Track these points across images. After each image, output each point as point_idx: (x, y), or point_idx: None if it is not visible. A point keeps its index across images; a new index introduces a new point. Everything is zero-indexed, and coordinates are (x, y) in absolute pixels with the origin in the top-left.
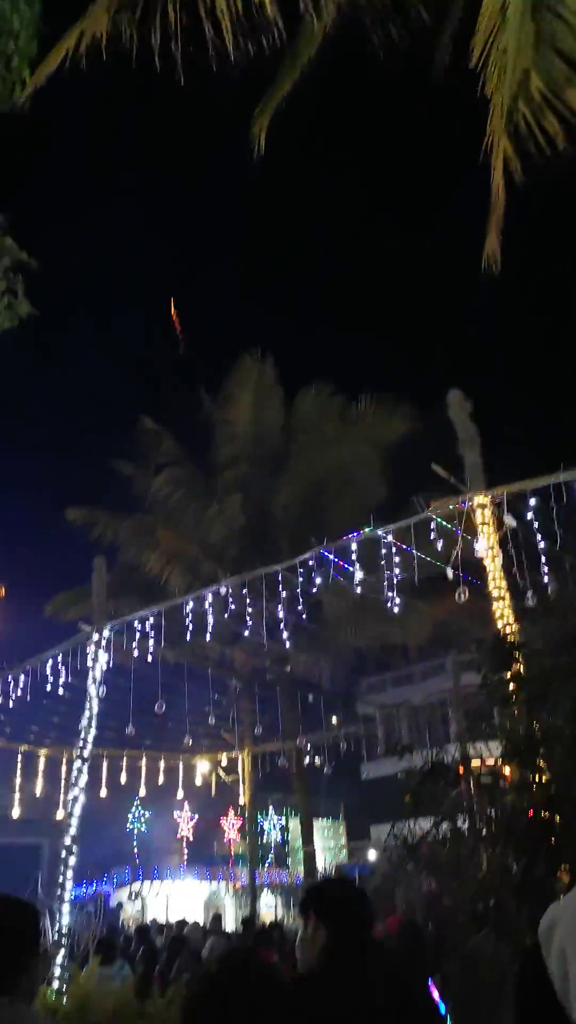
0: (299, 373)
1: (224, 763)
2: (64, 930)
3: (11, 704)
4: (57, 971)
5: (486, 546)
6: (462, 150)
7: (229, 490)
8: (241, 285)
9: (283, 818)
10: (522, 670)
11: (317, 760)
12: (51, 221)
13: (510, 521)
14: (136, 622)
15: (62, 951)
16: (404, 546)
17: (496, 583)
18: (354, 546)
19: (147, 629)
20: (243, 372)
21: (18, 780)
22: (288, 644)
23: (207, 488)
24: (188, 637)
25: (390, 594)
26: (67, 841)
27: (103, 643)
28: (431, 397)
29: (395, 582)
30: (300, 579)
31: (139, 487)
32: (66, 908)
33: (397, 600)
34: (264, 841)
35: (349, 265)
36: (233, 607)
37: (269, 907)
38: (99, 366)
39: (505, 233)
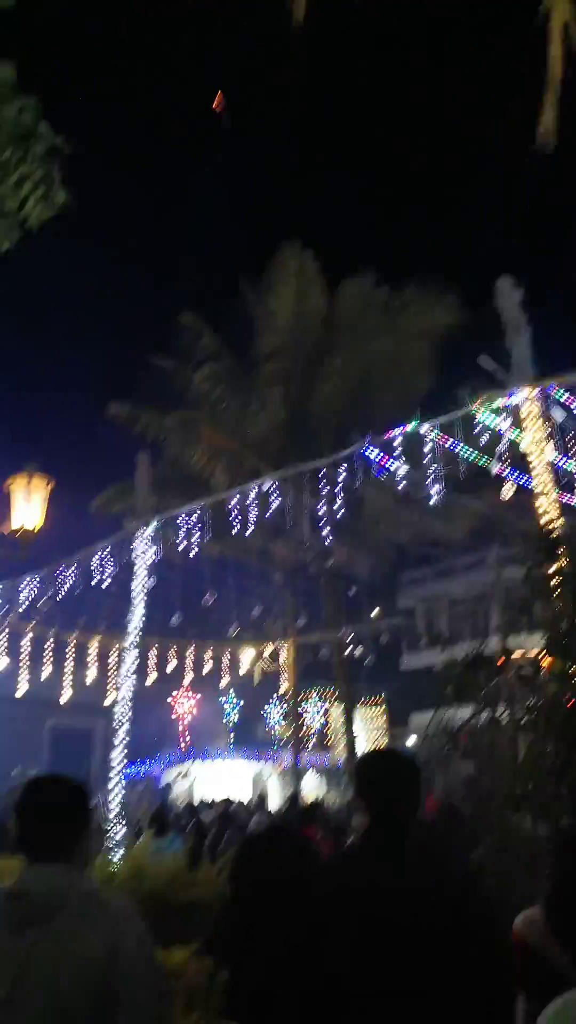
0: (342, 263)
1: (267, 653)
2: (118, 806)
3: (61, 596)
4: (113, 843)
5: (532, 440)
6: (515, 19)
7: (270, 384)
8: (282, 171)
9: (325, 705)
10: (565, 564)
11: (358, 651)
12: (87, 103)
13: (557, 414)
14: (180, 517)
15: (117, 825)
16: (448, 441)
17: (541, 477)
18: (397, 441)
19: (191, 524)
20: (283, 263)
21: (69, 668)
22: (330, 539)
23: (248, 383)
24: (232, 532)
25: (433, 489)
26: (117, 725)
27: (148, 538)
28: (479, 285)
29: (439, 477)
30: (343, 474)
31: (180, 383)
32: (119, 786)
33: (440, 495)
34: (306, 727)
35: (393, 147)
36: (275, 502)
37: (312, 788)
38: (139, 258)
39: (562, 108)
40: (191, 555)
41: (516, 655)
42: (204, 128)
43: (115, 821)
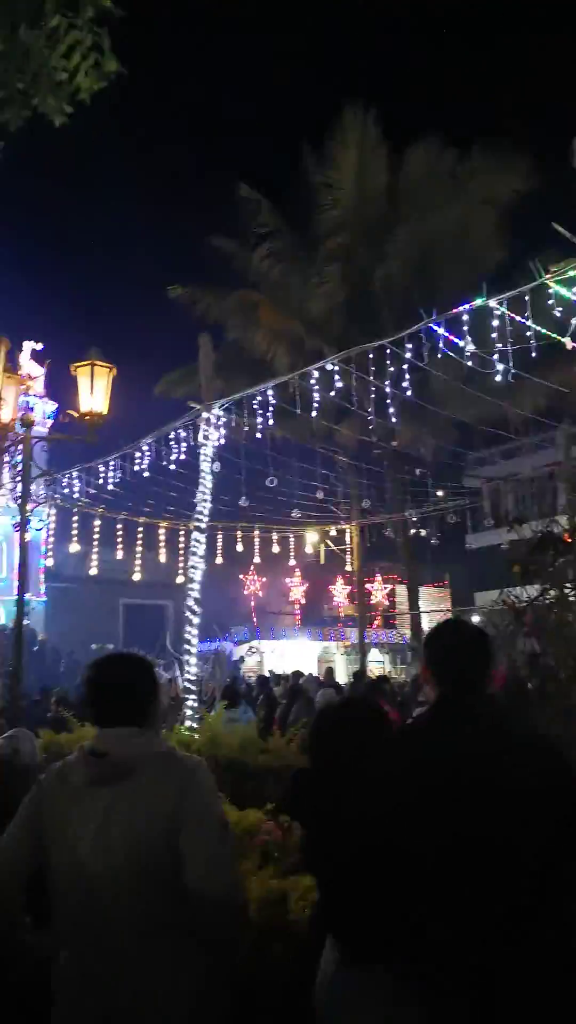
0: (406, 128)
1: (333, 534)
2: (193, 678)
3: (130, 479)
4: (188, 713)
5: None
6: None
7: (330, 261)
8: (342, 31)
9: (389, 585)
10: None
11: (423, 531)
12: None
13: None
14: (244, 400)
15: (192, 696)
16: (518, 317)
17: None
18: (464, 317)
19: (255, 407)
20: (345, 129)
21: (139, 549)
22: (394, 419)
23: (308, 261)
24: (296, 414)
25: (501, 367)
26: (190, 603)
27: (213, 421)
28: (552, 147)
29: (507, 354)
30: (408, 353)
31: (239, 262)
32: (193, 660)
33: (509, 373)
34: (371, 606)
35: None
36: (339, 384)
37: (377, 663)
38: (194, 130)
39: None
40: (256, 437)
41: None
42: None
43: (191, 692)
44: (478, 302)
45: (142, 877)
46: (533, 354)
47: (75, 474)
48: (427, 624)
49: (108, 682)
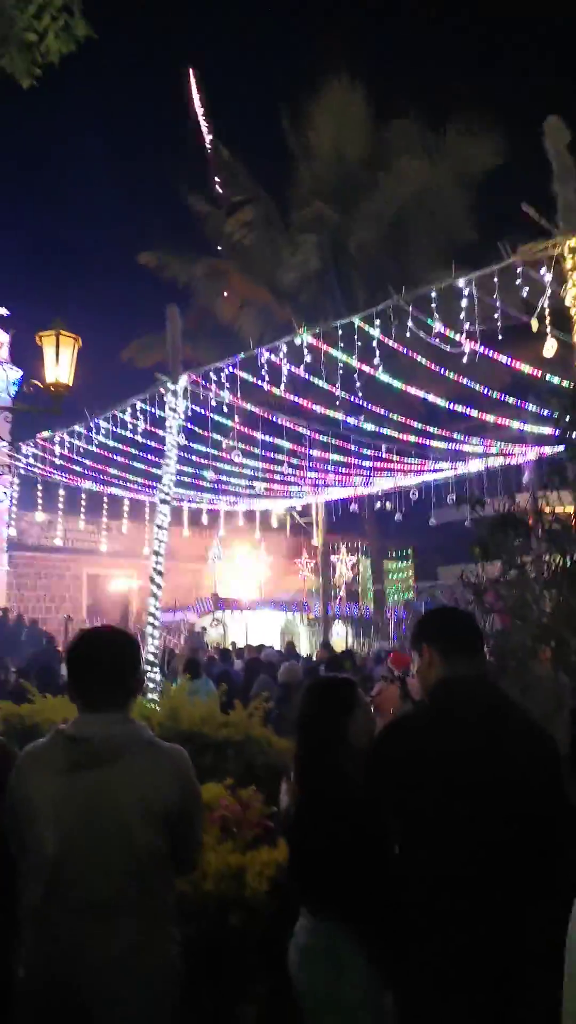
0: (385, 99)
1: (298, 508)
2: (155, 651)
3: (95, 449)
4: (151, 685)
5: (575, 294)
6: None
7: (305, 230)
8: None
9: (354, 558)
10: None
11: (388, 505)
12: None
13: None
14: (211, 372)
15: (155, 668)
16: (487, 297)
17: None
18: (433, 295)
19: (222, 379)
20: (329, 97)
21: (104, 520)
22: (361, 394)
23: (282, 229)
24: (263, 387)
25: (469, 346)
26: (153, 574)
27: (179, 391)
28: (526, 125)
29: (475, 333)
30: (376, 330)
31: (211, 228)
32: (156, 632)
33: (476, 351)
34: (336, 578)
35: None
36: (308, 359)
37: (340, 636)
38: (167, 90)
39: None
40: (224, 410)
41: (546, 510)
42: None
43: (154, 664)
44: (445, 281)
45: (125, 858)
46: (500, 336)
47: (39, 443)
48: (391, 599)
49: (94, 662)
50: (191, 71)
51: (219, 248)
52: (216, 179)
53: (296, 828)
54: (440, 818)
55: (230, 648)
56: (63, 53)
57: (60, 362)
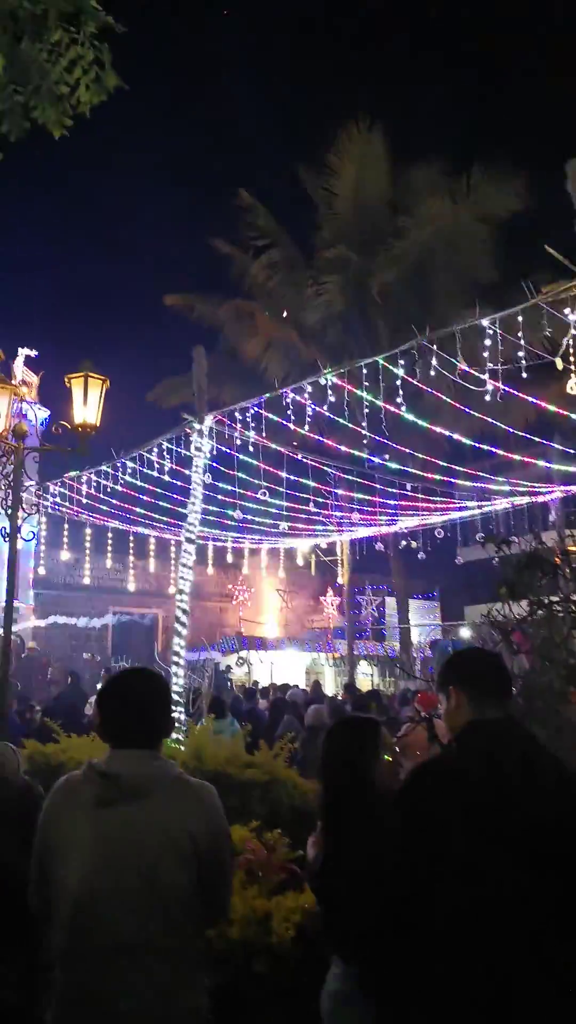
0: (406, 143)
1: (323, 547)
2: (180, 690)
3: (121, 489)
4: (175, 725)
5: None
6: None
7: (328, 271)
8: (345, 47)
9: (379, 597)
10: None
11: (413, 544)
12: None
13: None
14: (236, 411)
15: (179, 708)
16: (511, 336)
17: None
18: (457, 336)
19: (247, 418)
20: (348, 142)
21: (131, 558)
22: (386, 432)
23: (305, 270)
24: (288, 426)
25: (494, 385)
26: (179, 613)
27: (205, 433)
28: (548, 168)
29: (499, 371)
30: (400, 369)
31: (237, 270)
32: (181, 671)
33: (501, 390)
34: (361, 617)
35: (462, 22)
36: (332, 399)
37: (366, 675)
38: (194, 141)
39: None
40: (249, 448)
41: (573, 549)
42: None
43: (177, 704)
44: (469, 322)
45: (152, 898)
46: (524, 375)
47: (66, 483)
48: (416, 637)
49: (124, 701)
50: None
51: (245, 290)
52: (242, 224)
53: (322, 880)
54: (470, 865)
55: (254, 687)
56: (94, 103)
57: (88, 403)
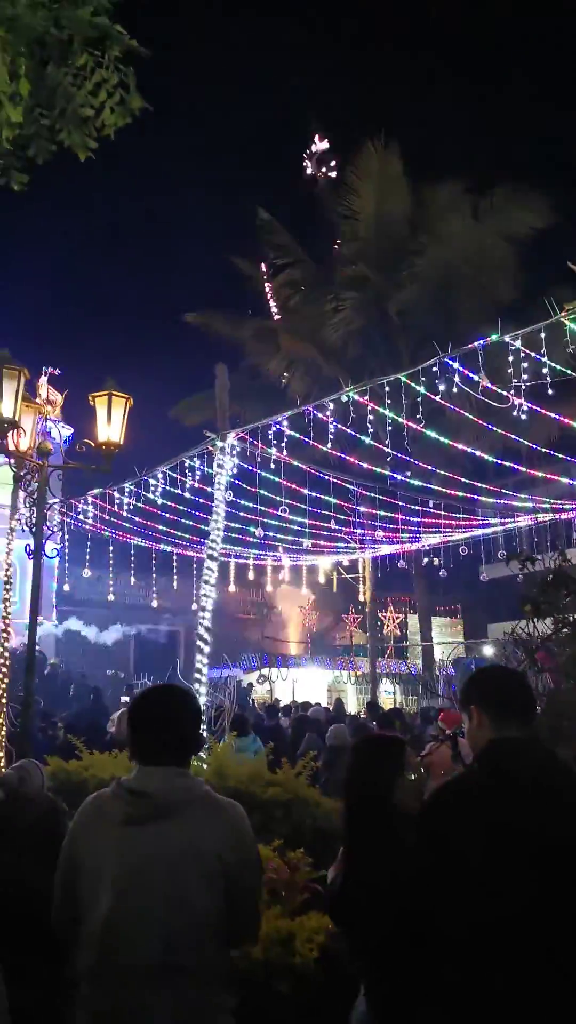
0: (426, 162)
1: (346, 564)
2: (202, 707)
3: (144, 506)
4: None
5: None
6: None
7: (348, 289)
8: (364, 65)
9: (402, 615)
10: None
11: (436, 561)
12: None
13: None
14: (258, 429)
15: (201, 725)
16: (534, 353)
17: None
18: (480, 353)
19: (269, 436)
20: (366, 160)
21: (153, 575)
22: (408, 449)
23: (326, 288)
24: (309, 443)
25: (517, 402)
26: (201, 630)
27: (227, 450)
28: (569, 185)
29: (521, 389)
30: (422, 387)
31: (257, 288)
32: (203, 688)
33: (522, 409)
34: (383, 635)
35: (480, 43)
36: (354, 415)
37: (388, 693)
38: (215, 162)
39: None
40: (271, 466)
41: None
42: (284, 24)
43: (200, 721)
44: (493, 338)
45: (180, 918)
46: (550, 391)
47: (89, 500)
48: (439, 655)
49: (154, 717)
50: None
51: (265, 308)
52: (262, 242)
53: (341, 893)
54: (489, 884)
55: (276, 704)
56: (118, 126)
57: (112, 422)
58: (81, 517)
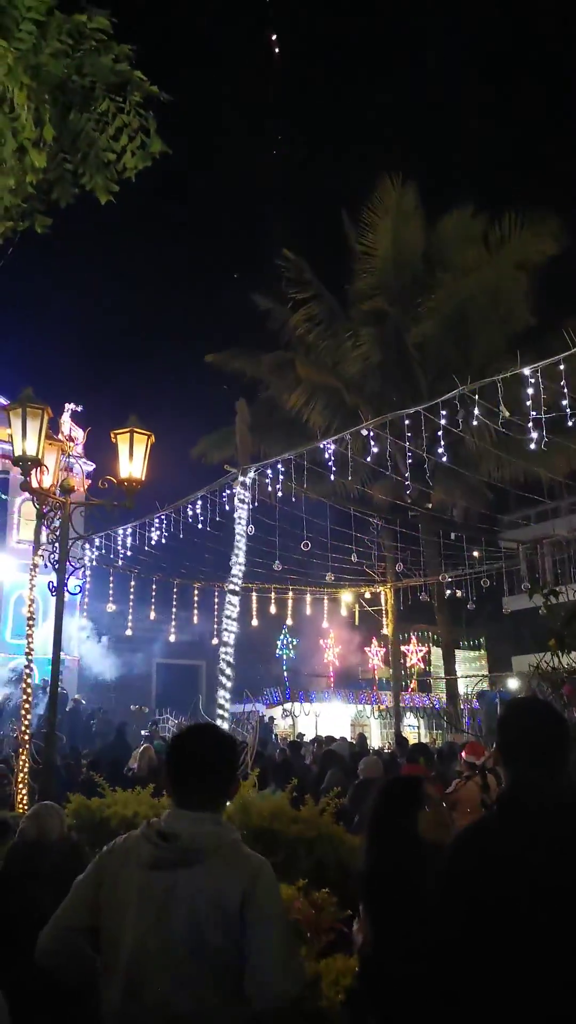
0: (441, 195)
1: (368, 596)
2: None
3: (166, 541)
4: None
5: None
6: None
7: (366, 323)
8: (379, 102)
9: (425, 647)
10: None
11: (459, 593)
12: (180, 53)
13: None
14: (279, 464)
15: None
16: (553, 383)
17: None
18: (499, 385)
19: (290, 470)
20: (382, 197)
21: (173, 610)
22: (429, 481)
23: (345, 323)
24: (330, 477)
25: (535, 434)
26: (223, 664)
27: (248, 485)
28: None
29: (541, 420)
30: (442, 419)
31: (275, 323)
32: (226, 724)
33: (543, 441)
34: (407, 668)
35: (492, 71)
36: (376, 449)
37: (412, 728)
38: (235, 202)
39: None
40: (292, 500)
41: None
42: (300, 67)
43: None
44: (510, 371)
45: (202, 966)
46: (571, 423)
47: (111, 535)
48: (463, 688)
49: (190, 759)
50: None
51: (284, 342)
52: (281, 279)
53: (370, 980)
54: (519, 933)
55: (300, 739)
56: (139, 168)
57: (134, 459)
58: (103, 552)
